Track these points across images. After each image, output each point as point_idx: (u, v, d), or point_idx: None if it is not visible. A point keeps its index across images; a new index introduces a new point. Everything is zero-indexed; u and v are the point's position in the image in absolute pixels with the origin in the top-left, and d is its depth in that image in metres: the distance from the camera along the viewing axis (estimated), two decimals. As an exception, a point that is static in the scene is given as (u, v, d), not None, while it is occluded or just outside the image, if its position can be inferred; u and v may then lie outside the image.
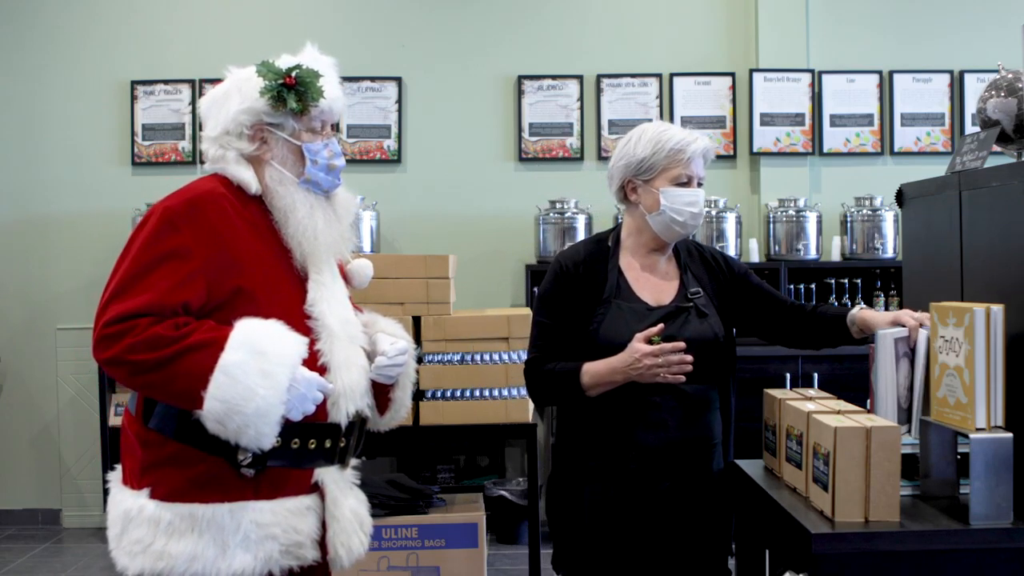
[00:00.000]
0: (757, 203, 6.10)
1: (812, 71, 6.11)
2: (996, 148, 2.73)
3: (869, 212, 5.85)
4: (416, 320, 4.27)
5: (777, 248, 5.90)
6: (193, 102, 6.06)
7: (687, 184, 2.63)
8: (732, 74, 6.16)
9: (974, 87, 6.08)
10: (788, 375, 5.39)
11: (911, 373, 2.39)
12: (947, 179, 2.75)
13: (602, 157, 6.06)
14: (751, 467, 2.67)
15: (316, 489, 2.33)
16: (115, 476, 2.35)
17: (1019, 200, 2.35)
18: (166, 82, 6.13)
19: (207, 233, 2.21)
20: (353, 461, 2.44)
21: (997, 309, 2.11)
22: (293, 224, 2.33)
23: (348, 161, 2.87)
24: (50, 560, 5.41)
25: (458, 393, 4.28)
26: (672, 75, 6.14)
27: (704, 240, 5.61)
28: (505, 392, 4.28)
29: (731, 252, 5.70)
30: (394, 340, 2.46)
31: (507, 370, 4.26)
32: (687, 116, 6.10)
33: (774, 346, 2.96)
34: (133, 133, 6.14)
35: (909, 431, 2.37)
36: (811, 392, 2.67)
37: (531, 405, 4.29)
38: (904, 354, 2.38)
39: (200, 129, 2.76)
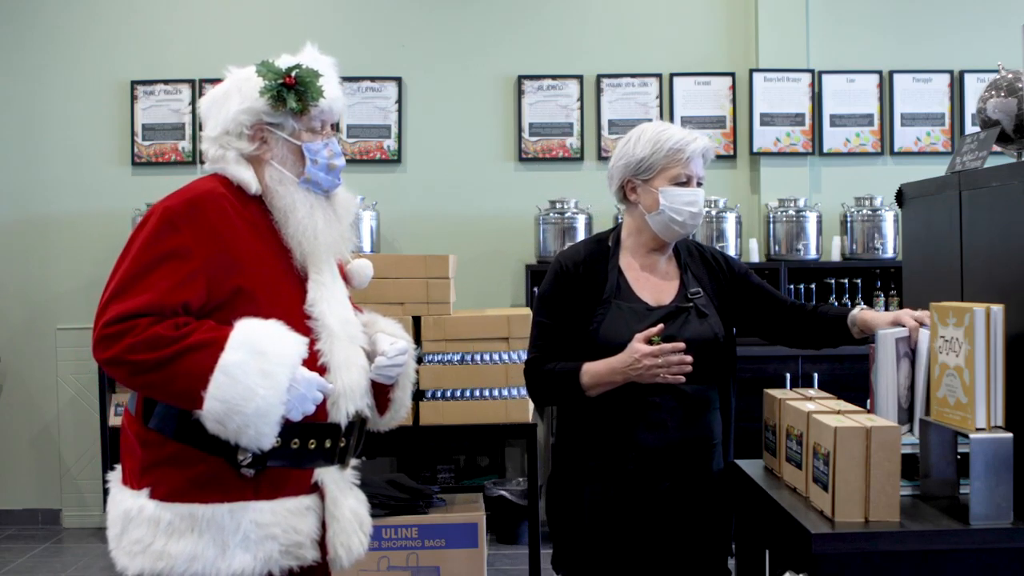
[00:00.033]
0: (757, 203, 6.10)
1: (812, 71, 6.11)
2: (996, 148, 2.73)
3: (869, 212, 5.85)
4: (416, 320, 4.27)
5: (777, 248, 5.90)
6: (193, 102, 6.06)
7: (686, 184, 2.63)
8: (732, 74, 6.16)
9: (974, 87, 6.08)
10: (788, 375, 5.39)
11: (911, 373, 2.40)
12: (947, 179, 2.75)
13: (602, 157, 6.06)
14: (751, 467, 2.67)
15: (316, 489, 2.33)
16: (115, 476, 2.35)
17: (1019, 200, 2.35)
18: (166, 82, 6.13)
19: (207, 233, 2.21)
20: (353, 461, 2.44)
21: (997, 309, 2.11)
22: (293, 224, 2.33)
23: (348, 161, 2.87)
24: (50, 560, 5.41)
25: (458, 393, 4.28)
26: (672, 75, 6.14)
27: (704, 240, 5.60)
28: (505, 392, 4.28)
29: (731, 252, 5.70)
30: (394, 340, 2.46)
31: (507, 370, 4.26)
32: (687, 116, 6.10)
33: (774, 346, 2.96)
34: (133, 133, 6.14)
35: (912, 430, 2.38)
36: (811, 392, 2.67)
37: (531, 405, 4.29)
38: (904, 354, 2.39)
39: (200, 129, 2.76)
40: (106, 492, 2.37)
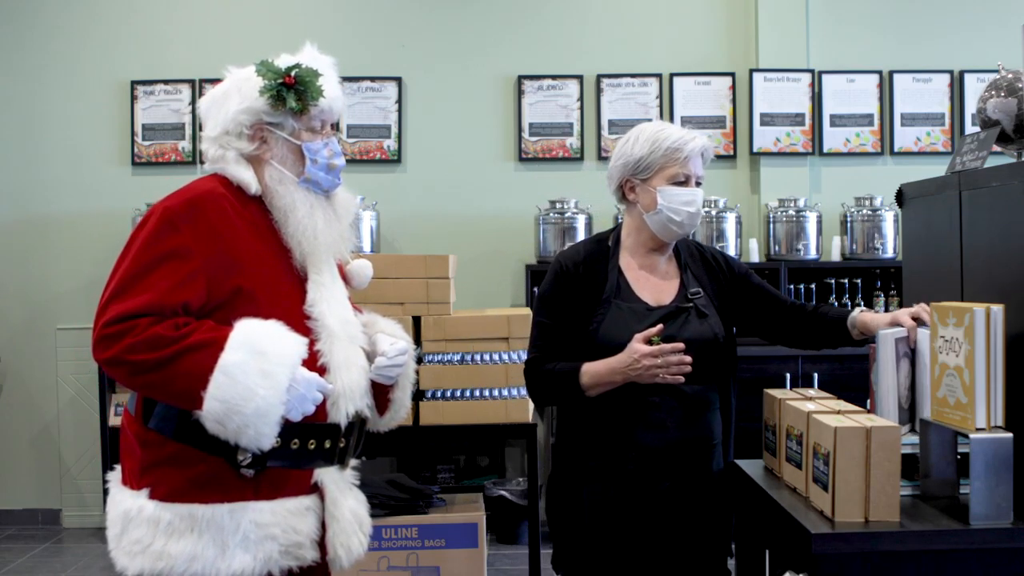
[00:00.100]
0: (757, 203, 6.10)
1: (812, 71, 6.11)
2: (996, 148, 2.73)
3: (869, 212, 5.84)
4: (416, 320, 4.27)
5: (777, 248, 5.89)
6: (193, 102, 6.06)
7: (685, 183, 2.62)
8: (732, 74, 6.16)
9: (974, 87, 6.08)
10: (788, 375, 5.39)
11: (911, 373, 2.40)
12: (947, 179, 2.75)
13: (602, 157, 6.05)
14: (751, 467, 2.67)
15: (316, 489, 2.33)
16: (115, 476, 2.35)
17: (1019, 200, 2.35)
18: (166, 82, 6.13)
19: (207, 233, 2.21)
20: (353, 461, 2.44)
21: (997, 309, 2.11)
22: (293, 224, 2.33)
23: (348, 161, 2.87)
24: (50, 560, 5.41)
25: (458, 393, 4.28)
26: (672, 75, 6.14)
27: (704, 240, 5.60)
28: (505, 392, 4.28)
29: (731, 252, 5.70)
30: (394, 340, 2.46)
31: (507, 370, 4.26)
32: (687, 116, 6.10)
33: (774, 346, 2.96)
34: (133, 133, 6.14)
35: (913, 429, 2.38)
36: (811, 392, 2.67)
37: (531, 405, 4.29)
38: (904, 354, 2.39)
39: (200, 129, 2.76)
40: (106, 492, 2.37)
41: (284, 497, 2.27)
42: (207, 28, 6.15)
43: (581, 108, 6.14)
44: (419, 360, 4.16)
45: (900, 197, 3.04)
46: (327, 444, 2.30)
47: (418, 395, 4.21)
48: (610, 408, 2.56)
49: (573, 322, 2.61)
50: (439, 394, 4.27)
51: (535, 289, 5.13)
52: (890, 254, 5.82)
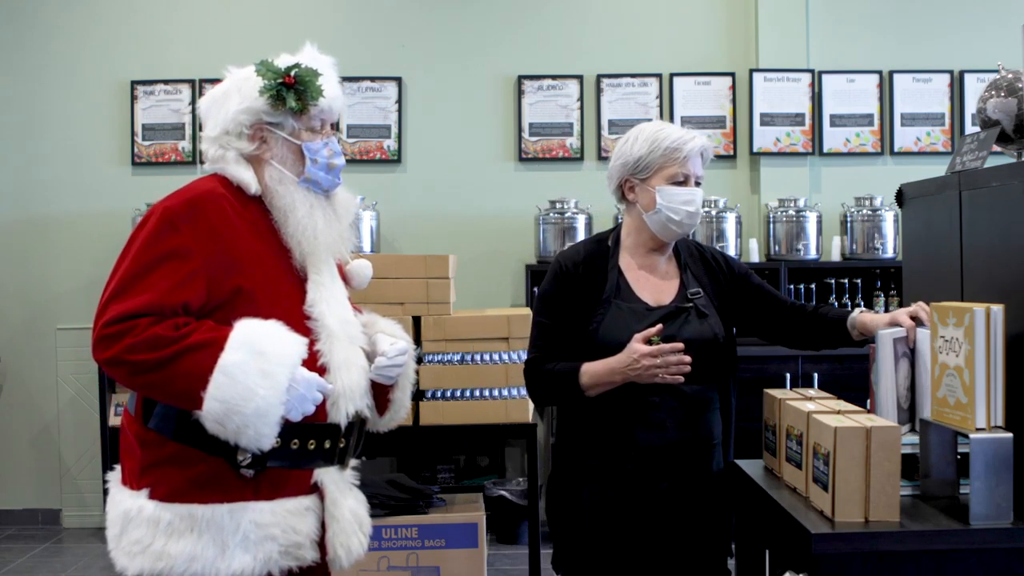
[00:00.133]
0: (757, 203, 6.10)
1: (812, 71, 6.11)
2: (996, 148, 2.73)
3: (869, 212, 5.84)
4: (416, 320, 4.27)
5: (777, 248, 5.89)
6: (193, 102, 6.06)
7: (684, 183, 2.62)
8: (732, 74, 6.16)
9: (974, 87, 6.08)
10: (788, 375, 5.39)
11: (911, 373, 2.40)
12: (947, 179, 2.75)
13: (602, 157, 6.05)
14: (751, 467, 2.67)
15: (316, 490, 2.33)
16: (114, 476, 2.35)
17: (1019, 200, 2.35)
18: (166, 82, 6.13)
19: (207, 233, 2.21)
20: (353, 461, 2.44)
21: (997, 309, 2.11)
22: (293, 223, 2.33)
23: (348, 161, 2.87)
24: (50, 560, 5.41)
25: (458, 393, 4.28)
26: (672, 75, 6.14)
27: (704, 240, 5.61)
28: (505, 392, 4.28)
29: (731, 252, 5.70)
30: (394, 340, 2.46)
31: (507, 370, 4.26)
32: (687, 116, 6.10)
33: (774, 346, 2.96)
34: (133, 133, 6.14)
35: (913, 429, 2.38)
36: (811, 392, 2.67)
37: (531, 405, 4.29)
38: (904, 354, 2.39)
39: (200, 129, 2.76)
40: (106, 492, 2.37)
41: (284, 497, 2.27)
42: (207, 28, 6.15)
43: (581, 108, 6.14)
44: (419, 360, 4.16)
45: (900, 197, 3.04)
46: (327, 444, 2.30)
47: (418, 395, 4.21)
48: (610, 408, 2.56)
49: (573, 322, 2.61)
50: (439, 394, 4.27)
51: (535, 289, 5.13)
52: (890, 254, 5.82)
